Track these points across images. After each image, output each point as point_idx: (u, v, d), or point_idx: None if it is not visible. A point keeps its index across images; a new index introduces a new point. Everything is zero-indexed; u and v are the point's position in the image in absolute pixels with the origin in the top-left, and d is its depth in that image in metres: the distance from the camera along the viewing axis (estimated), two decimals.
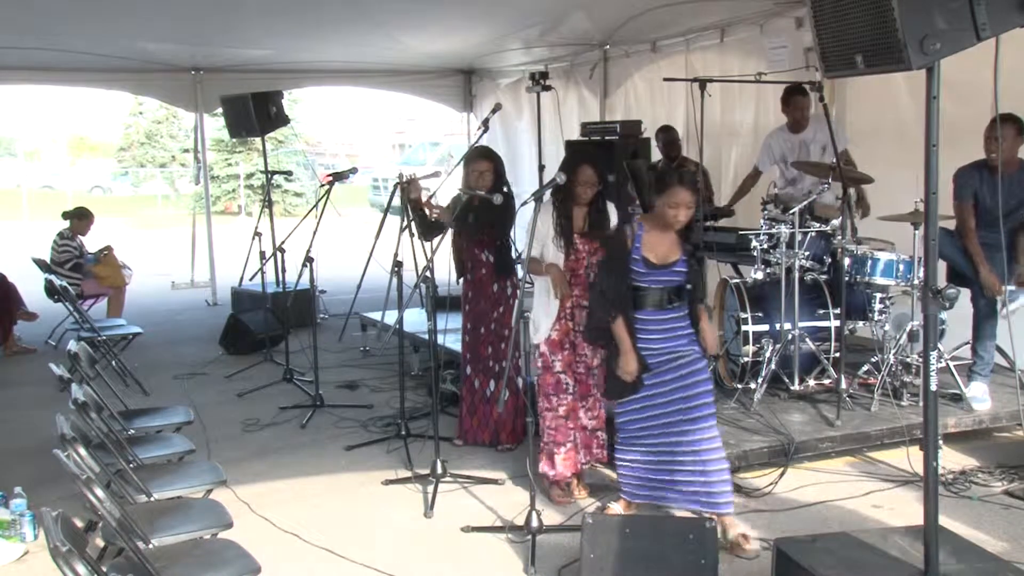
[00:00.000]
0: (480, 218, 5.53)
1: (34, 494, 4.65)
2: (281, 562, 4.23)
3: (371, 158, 34.99)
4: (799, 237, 5.89)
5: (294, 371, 7.51)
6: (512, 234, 5.82)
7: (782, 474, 5.01)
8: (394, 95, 13.28)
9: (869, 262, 5.73)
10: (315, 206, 6.87)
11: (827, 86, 6.45)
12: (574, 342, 4.89)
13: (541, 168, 9.57)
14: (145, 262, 13.49)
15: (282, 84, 10.74)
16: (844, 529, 4.30)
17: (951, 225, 5.69)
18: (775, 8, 7.33)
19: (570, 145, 8.98)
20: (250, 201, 25.44)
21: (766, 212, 6.11)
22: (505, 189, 5.54)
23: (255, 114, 8.77)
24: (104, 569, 2.97)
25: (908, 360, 5.76)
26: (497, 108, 5.98)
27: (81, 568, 2.53)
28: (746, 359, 5.90)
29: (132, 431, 4.74)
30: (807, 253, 5.96)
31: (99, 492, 3.10)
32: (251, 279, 9.60)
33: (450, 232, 5.67)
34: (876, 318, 5.85)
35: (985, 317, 5.67)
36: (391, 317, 7.16)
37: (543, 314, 4.88)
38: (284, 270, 8.05)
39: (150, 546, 3.30)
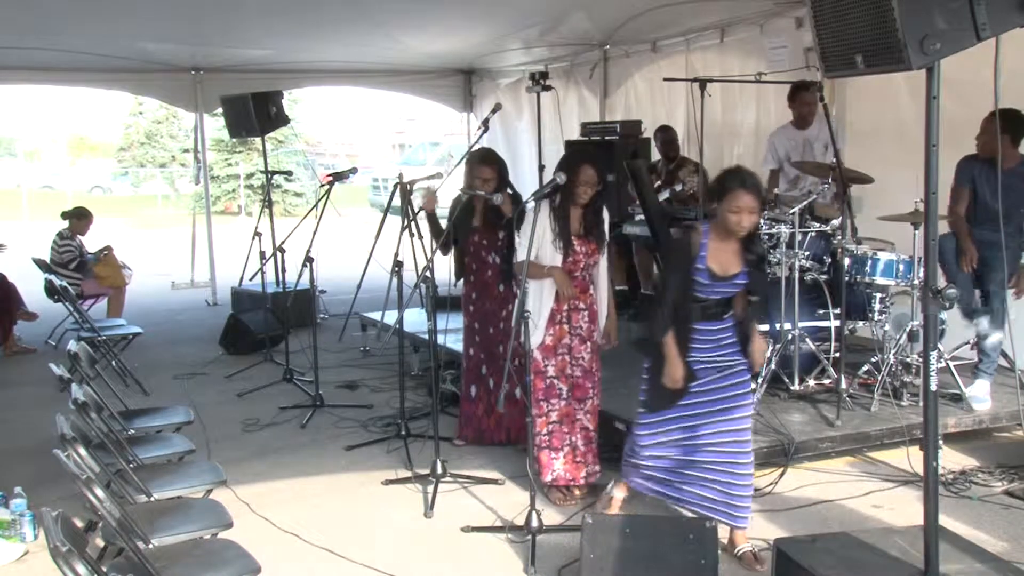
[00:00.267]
0: (488, 220, 5.51)
1: (34, 494, 4.65)
2: (281, 562, 4.23)
3: (371, 158, 34.99)
4: (799, 237, 5.89)
5: (294, 371, 7.51)
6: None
7: (782, 474, 5.01)
8: (394, 95, 13.29)
9: (869, 262, 5.73)
10: (315, 206, 6.87)
11: (827, 86, 6.45)
12: (571, 345, 4.85)
13: (541, 168, 9.57)
14: (145, 262, 13.49)
15: (282, 84, 10.74)
16: (844, 529, 4.30)
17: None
18: (775, 8, 7.33)
19: (570, 145, 9.00)
20: (250, 201, 25.44)
21: (766, 212, 6.10)
22: (510, 191, 5.53)
23: (255, 114, 8.77)
24: (104, 569, 2.97)
25: (908, 360, 5.76)
26: (497, 108, 5.96)
27: (81, 568, 2.53)
28: None
29: (132, 431, 4.74)
30: (807, 253, 5.96)
31: (99, 492, 3.10)
32: (251, 279, 9.60)
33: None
34: (876, 318, 5.85)
35: (994, 315, 5.66)
36: (391, 317, 7.16)
37: (536, 318, 4.75)
38: (284, 270, 8.05)
39: (150, 546, 3.30)
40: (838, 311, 5.73)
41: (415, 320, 7.29)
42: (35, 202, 26.08)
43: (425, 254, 5.36)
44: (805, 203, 5.93)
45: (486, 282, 5.64)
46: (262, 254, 8.83)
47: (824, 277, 6.05)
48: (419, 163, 24.63)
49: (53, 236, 9.45)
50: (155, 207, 27.43)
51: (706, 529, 3.84)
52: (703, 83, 6.45)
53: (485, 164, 5.55)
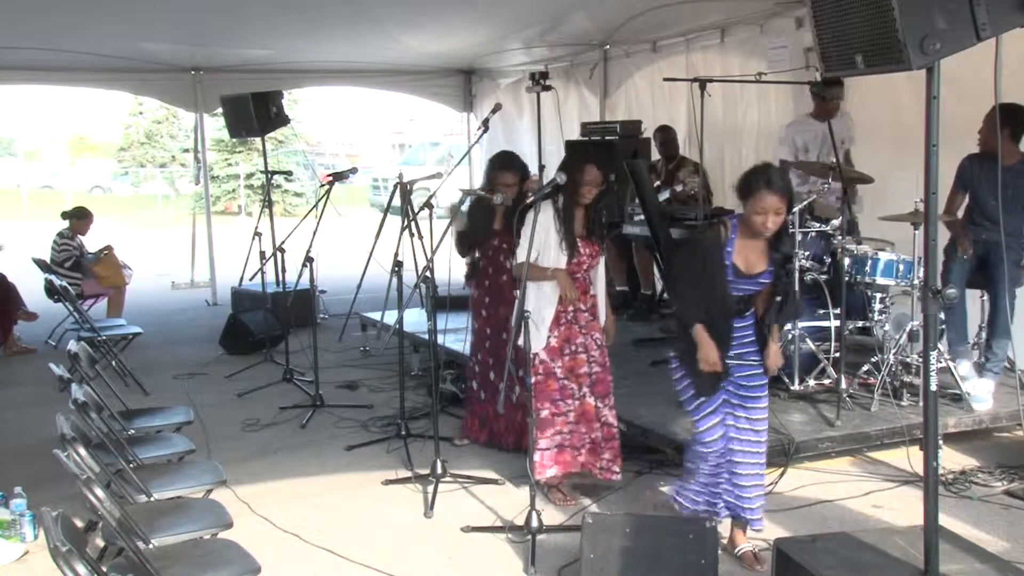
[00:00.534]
0: (508, 222, 5.32)
1: (34, 494, 4.64)
2: (281, 562, 4.23)
3: (371, 158, 35.00)
4: (799, 237, 5.89)
5: (294, 371, 7.51)
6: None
7: (782, 474, 5.00)
8: (394, 95, 13.29)
9: (869, 262, 5.73)
10: (315, 206, 6.87)
11: None
12: (585, 344, 4.79)
13: (541, 168, 9.56)
14: (145, 262, 13.48)
15: (282, 84, 10.75)
16: (844, 529, 4.30)
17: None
18: (775, 8, 7.33)
19: (570, 145, 9.00)
20: (250, 201, 25.44)
21: None
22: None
23: (255, 114, 8.78)
24: (104, 569, 2.97)
25: (908, 360, 5.76)
26: (497, 108, 5.96)
27: (81, 568, 2.53)
28: None
29: (132, 431, 4.74)
30: (807, 253, 5.96)
31: (99, 492, 3.09)
32: (251, 279, 9.59)
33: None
34: (876, 318, 5.85)
35: (1000, 314, 5.67)
36: (391, 317, 7.17)
37: (537, 321, 4.71)
38: (284, 270, 8.06)
39: (150, 546, 3.30)
40: (838, 311, 5.73)
41: (415, 320, 7.30)
42: (35, 202, 26.10)
43: (425, 254, 5.35)
44: (805, 203, 5.93)
45: (501, 286, 5.55)
46: (262, 254, 8.83)
47: (824, 277, 6.05)
48: (419, 163, 24.65)
49: (53, 236, 9.46)
50: (155, 207, 27.43)
51: (706, 529, 3.84)
52: (703, 83, 6.45)
53: (507, 170, 5.46)
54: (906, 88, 6.52)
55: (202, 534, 3.49)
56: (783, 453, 5.05)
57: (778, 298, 4.06)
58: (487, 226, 5.60)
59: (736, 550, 4.20)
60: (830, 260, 6.10)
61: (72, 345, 5.04)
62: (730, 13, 7.83)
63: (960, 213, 5.88)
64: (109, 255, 9.62)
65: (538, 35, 9.37)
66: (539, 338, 4.72)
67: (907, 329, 5.61)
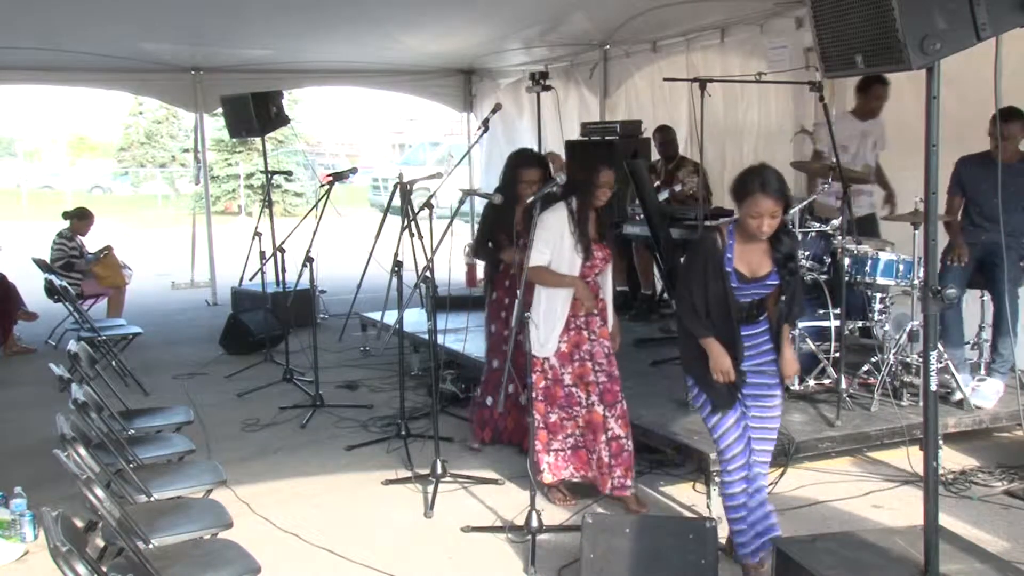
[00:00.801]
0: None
1: (34, 494, 4.65)
2: (281, 562, 4.23)
3: (371, 158, 35.02)
4: (799, 237, 5.89)
5: (294, 371, 7.51)
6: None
7: (782, 474, 5.00)
8: (394, 95, 13.28)
9: (869, 262, 5.72)
10: (315, 206, 6.87)
11: (827, 86, 6.44)
12: (592, 351, 4.72)
13: None
14: (145, 262, 13.49)
15: (282, 84, 10.75)
16: (844, 529, 4.30)
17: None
18: (775, 8, 7.33)
19: (570, 145, 9.00)
20: (250, 201, 25.44)
21: None
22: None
23: (255, 114, 8.78)
24: (104, 569, 2.97)
25: (908, 360, 5.76)
26: (497, 108, 5.95)
27: (81, 568, 2.53)
28: None
29: (132, 431, 4.74)
30: (807, 253, 5.96)
31: (99, 492, 3.09)
32: (251, 279, 9.59)
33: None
34: (876, 318, 5.85)
35: (1003, 314, 5.67)
36: (391, 317, 7.17)
37: (548, 326, 4.66)
38: (284, 270, 8.06)
39: (150, 546, 3.30)
40: (838, 311, 5.73)
41: (415, 320, 7.30)
42: (35, 202, 26.10)
43: (425, 254, 5.35)
44: (805, 203, 5.93)
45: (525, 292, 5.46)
46: (262, 254, 8.83)
47: (824, 277, 6.05)
48: (419, 163, 24.66)
49: (54, 236, 9.46)
50: (155, 207, 27.44)
51: (706, 529, 3.84)
52: (703, 83, 6.44)
53: (531, 166, 5.33)
54: (907, 88, 6.52)
55: (202, 534, 3.49)
56: (783, 453, 5.04)
57: (783, 298, 3.96)
58: (507, 227, 5.45)
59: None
60: (830, 260, 6.10)
61: (72, 345, 5.05)
62: (730, 13, 7.83)
63: (958, 216, 5.88)
64: (109, 255, 9.62)
65: (538, 35, 9.37)
66: (549, 344, 4.67)
67: (907, 329, 5.60)
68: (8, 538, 4.48)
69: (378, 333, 8.08)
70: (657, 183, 8.12)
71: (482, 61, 11.56)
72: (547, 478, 4.82)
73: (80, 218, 9.51)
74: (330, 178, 6.95)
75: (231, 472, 4.63)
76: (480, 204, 12.14)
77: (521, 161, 5.38)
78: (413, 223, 5.45)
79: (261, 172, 20.78)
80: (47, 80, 11.62)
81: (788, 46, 7.43)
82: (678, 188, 7.84)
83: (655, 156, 8.53)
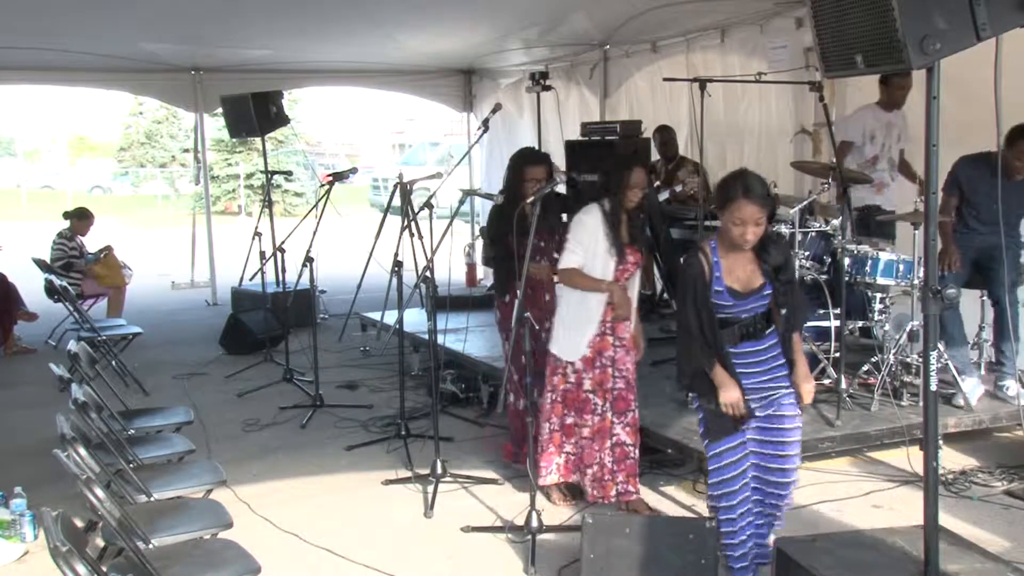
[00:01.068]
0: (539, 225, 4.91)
1: (34, 494, 4.65)
2: (281, 562, 4.23)
3: (371, 158, 35.05)
4: (799, 237, 5.89)
5: (294, 371, 7.51)
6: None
7: None
8: (394, 95, 13.27)
9: (869, 262, 5.72)
10: (315, 206, 6.87)
11: (827, 86, 6.44)
12: (614, 357, 4.63)
13: None
14: (145, 262, 13.49)
15: (282, 84, 10.75)
16: (844, 529, 4.31)
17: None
18: (775, 8, 7.32)
19: (570, 145, 8.99)
20: (250, 201, 25.45)
21: None
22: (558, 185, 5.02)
23: (255, 114, 8.78)
24: (104, 569, 2.97)
25: (908, 360, 5.76)
26: (497, 108, 5.94)
27: (81, 568, 2.53)
28: None
29: (132, 431, 4.75)
30: (807, 253, 5.96)
31: (99, 492, 3.10)
32: (251, 279, 9.60)
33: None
34: (876, 318, 5.85)
35: (1004, 316, 5.67)
36: (391, 317, 7.17)
37: (577, 330, 4.57)
38: (284, 270, 8.06)
39: (150, 546, 3.30)
40: (838, 311, 5.73)
41: (415, 320, 7.30)
42: (35, 202, 26.10)
43: (425, 254, 5.35)
44: (805, 203, 5.93)
45: (535, 289, 5.21)
46: (262, 254, 8.83)
47: (824, 277, 6.05)
48: (419, 163, 24.66)
49: (54, 236, 9.46)
50: (155, 207, 27.45)
51: (706, 529, 3.84)
52: (703, 83, 6.44)
53: (538, 164, 5.14)
54: (879, 88, 6.52)
55: (202, 534, 3.49)
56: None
57: (783, 310, 3.76)
58: (522, 228, 5.34)
59: None
60: (830, 260, 6.10)
61: (72, 345, 5.05)
62: (730, 13, 7.82)
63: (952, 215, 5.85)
64: (109, 255, 9.62)
65: (538, 35, 9.36)
66: (579, 348, 4.59)
67: (907, 329, 5.60)
68: (8, 538, 4.49)
69: (378, 333, 8.08)
70: (657, 183, 8.12)
71: (482, 61, 11.56)
72: (552, 479, 4.79)
73: (80, 218, 9.51)
74: (330, 178, 6.96)
75: (231, 472, 4.63)
76: (480, 204, 12.20)
77: (525, 159, 5.23)
78: (413, 223, 5.45)
79: (261, 172, 20.78)
80: (47, 80, 11.62)
81: (788, 46, 7.43)
82: (678, 188, 7.84)
83: (655, 156, 8.54)
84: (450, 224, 5.52)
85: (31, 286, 9.25)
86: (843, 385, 5.54)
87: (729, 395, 3.69)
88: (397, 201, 5.77)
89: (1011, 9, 2.91)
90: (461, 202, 6.28)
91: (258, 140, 10.90)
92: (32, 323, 9.21)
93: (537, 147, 9.53)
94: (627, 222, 4.57)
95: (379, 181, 25.10)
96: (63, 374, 4.53)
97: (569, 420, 4.73)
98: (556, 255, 4.95)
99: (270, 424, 6.49)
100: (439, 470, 5.06)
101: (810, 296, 6.01)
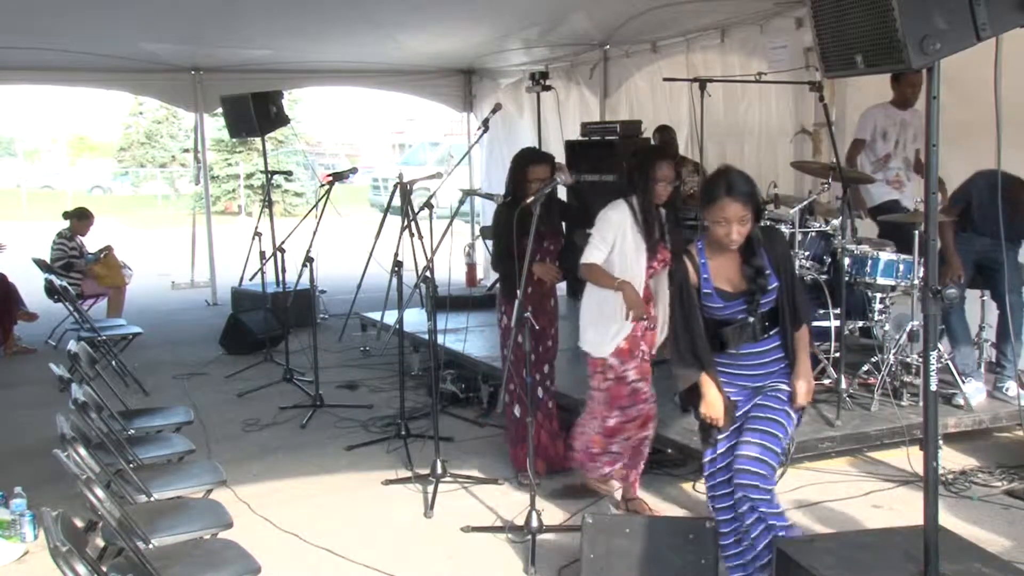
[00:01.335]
0: (543, 225, 4.86)
1: (34, 494, 4.65)
2: (281, 562, 4.23)
3: (371, 158, 35.06)
4: (799, 237, 5.89)
5: (294, 371, 7.51)
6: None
7: (782, 474, 4.98)
8: (394, 95, 13.27)
9: (869, 262, 5.72)
10: (315, 206, 6.88)
11: (827, 86, 6.44)
12: (643, 351, 4.56)
13: None
14: (145, 262, 13.49)
15: (282, 84, 10.75)
16: (844, 529, 4.31)
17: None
18: (775, 8, 7.33)
19: (570, 145, 9.00)
20: (250, 201, 25.45)
21: (767, 212, 6.10)
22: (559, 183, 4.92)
23: (255, 114, 8.78)
24: (104, 569, 2.97)
25: (908, 360, 5.76)
26: (497, 108, 5.93)
27: (81, 568, 2.53)
28: None
29: (132, 431, 4.75)
30: (807, 253, 5.96)
31: (99, 492, 3.09)
32: (251, 279, 9.60)
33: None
34: (876, 318, 5.85)
35: (1005, 318, 5.66)
36: (391, 317, 7.17)
37: (603, 326, 4.48)
38: (284, 270, 8.06)
39: (150, 546, 3.30)
40: (838, 311, 5.73)
41: (415, 320, 7.30)
42: (35, 202, 26.10)
43: (425, 254, 5.35)
44: (805, 203, 5.93)
45: (543, 294, 5.18)
46: (262, 254, 8.83)
47: (824, 277, 6.05)
48: (419, 163, 24.66)
49: (53, 236, 9.46)
50: (155, 207, 27.44)
51: (706, 529, 3.84)
52: (703, 83, 6.44)
53: (540, 163, 5.05)
54: (891, 86, 6.52)
55: (202, 534, 3.49)
56: (783, 453, 5.04)
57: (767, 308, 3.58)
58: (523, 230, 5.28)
59: None
60: (830, 260, 6.10)
61: (72, 345, 5.05)
62: (730, 13, 7.82)
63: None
64: (109, 255, 9.62)
65: (538, 35, 9.36)
66: (607, 344, 4.49)
67: (907, 329, 5.61)
68: (8, 538, 4.49)
69: (378, 333, 8.08)
70: None
71: (482, 61, 11.56)
72: (602, 471, 4.70)
73: (80, 218, 9.51)
74: (330, 178, 6.96)
75: (231, 472, 4.62)
76: (480, 204, 12.20)
77: (528, 159, 5.15)
78: (413, 223, 5.45)
79: (261, 172, 20.78)
80: (47, 80, 11.62)
81: (788, 46, 7.43)
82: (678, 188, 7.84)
83: None
84: (450, 224, 5.53)
85: (31, 286, 9.26)
86: (843, 385, 5.54)
87: (710, 409, 3.58)
88: (397, 201, 5.77)
89: (1011, 9, 2.91)
90: (461, 202, 6.29)
91: (258, 140, 10.90)
92: (32, 323, 9.21)
93: (537, 147, 9.54)
94: (658, 219, 4.45)
95: (379, 181, 25.11)
96: (63, 374, 4.53)
97: (612, 422, 4.59)
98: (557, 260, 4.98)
99: (270, 424, 6.49)
100: (439, 470, 5.06)
101: (810, 296, 6.01)
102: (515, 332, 4.38)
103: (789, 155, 7.51)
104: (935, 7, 2.87)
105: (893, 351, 5.67)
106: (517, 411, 5.17)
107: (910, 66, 2.91)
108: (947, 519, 4.21)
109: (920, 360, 5.45)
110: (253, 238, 9.24)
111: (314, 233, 6.64)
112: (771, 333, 3.61)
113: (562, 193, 5.16)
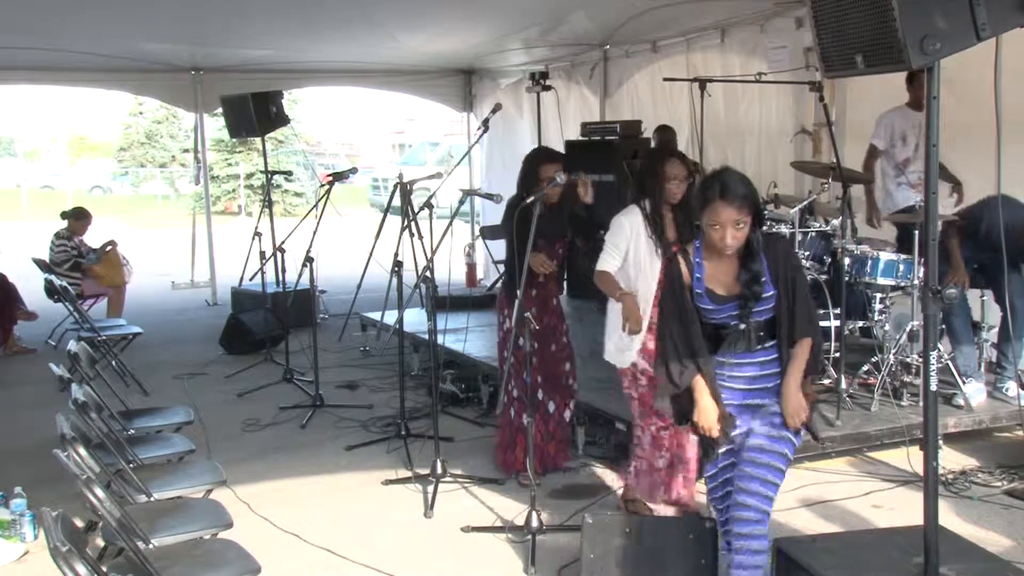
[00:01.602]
0: (549, 226, 4.86)
1: (34, 494, 4.64)
2: (281, 562, 4.23)
3: (371, 158, 35.05)
4: (799, 237, 5.89)
5: (294, 371, 7.51)
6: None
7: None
8: (394, 95, 13.27)
9: (869, 262, 5.73)
10: (315, 206, 6.88)
11: (827, 86, 6.44)
12: None
13: None
14: (145, 262, 13.48)
15: (282, 84, 10.76)
16: (844, 529, 4.31)
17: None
18: (775, 8, 7.33)
19: (570, 145, 8.99)
20: (250, 201, 25.45)
21: (767, 212, 6.10)
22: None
23: (255, 114, 8.78)
24: (104, 569, 2.97)
25: (908, 360, 5.76)
26: (497, 108, 5.93)
27: (81, 568, 2.53)
28: None
29: (132, 431, 4.74)
30: (807, 253, 5.96)
31: (99, 492, 3.10)
32: (251, 279, 9.60)
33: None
34: (876, 318, 5.85)
35: (1005, 319, 5.66)
36: (391, 317, 7.17)
37: (620, 336, 4.35)
38: (284, 270, 8.06)
39: (150, 546, 3.30)
40: (838, 311, 5.73)
41: (415, 320, 7.30)
42: (35, 202, 26.10)
43: (425, 254, 5.35)
44: (805, 203, 5.93)
45: (548, 295, 5.13)
46: (262, 254, 8.83)
47: (824, 277, 6.05)
48: (419, 163, 24.66)
49: (51, 237, 9.45)
50: (155, 207, 27.44)
51: (706, 529, 3.84)
52: (703, 83, 6.44)
53: (554, 161, 4.97)
54: (906, 88, 6.52)
55: (202, 534, 3.49)
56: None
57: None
58: (525, 230, 5.20)
59: None
60: (830, 260, 6.10)
61: (72, 345, 5.04)
62: (730, 13, 7.82)
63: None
64: (112, 251, 9.61)
65: (538, 35, 9.36)
66: (629, 351, 4.40)
67: (907, 329, 5.61)
68: (8, 538, 4.48)
69: (378, 333, 8.08)
70: None
71: (482, 61, 11.56)
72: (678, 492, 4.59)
73: (77, 218, 9.51)
74: (330, 178, 6.96)
75: (231, 472, 4.62)
76: (480, 204, 12.19)
77: (540, 158, 5.10)
78: (413, 223, 5.45)
79: (261, 172, 20.78)
80: (47, 80, 11.62)
81: (788, 46, 7.43)
82: None
83: None
84: (450, 224, 5.52)
85: (31, 286, 9.25)
86: (843, 385, 5.54)
87: (702, 417, 3.38)
88: (397, 201, 5.76)
89: (1011, 9, 2.91)
90: (461, 202, 6.26)
91: (258, 140, 10.90)
92: (32, 323, 9.21)
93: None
94: (673, 220, 4.34)
95: (379, 181, 25.11)
96: (63, 374, 4.53)
97: (652, 429, 4.50)
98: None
99: (270, 424, 6.49)
100: (439, 470, 5.05)
101: (810, 296, 6.01)
102: (515, 332, 4.37)
103: (789, 155, 7.51)
104: (935, 7, 2.87)
105: (893, 351, 5.67)
106: (512, 414, 5.15)
107: (910, 66, 2.91)
108: (947, 519, 4.21)
109: (920, 360, 5.45)
110: (253, 238, 9.24)
111: (314, 233, 6.64)
112: (768, 345, 3.42)
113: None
